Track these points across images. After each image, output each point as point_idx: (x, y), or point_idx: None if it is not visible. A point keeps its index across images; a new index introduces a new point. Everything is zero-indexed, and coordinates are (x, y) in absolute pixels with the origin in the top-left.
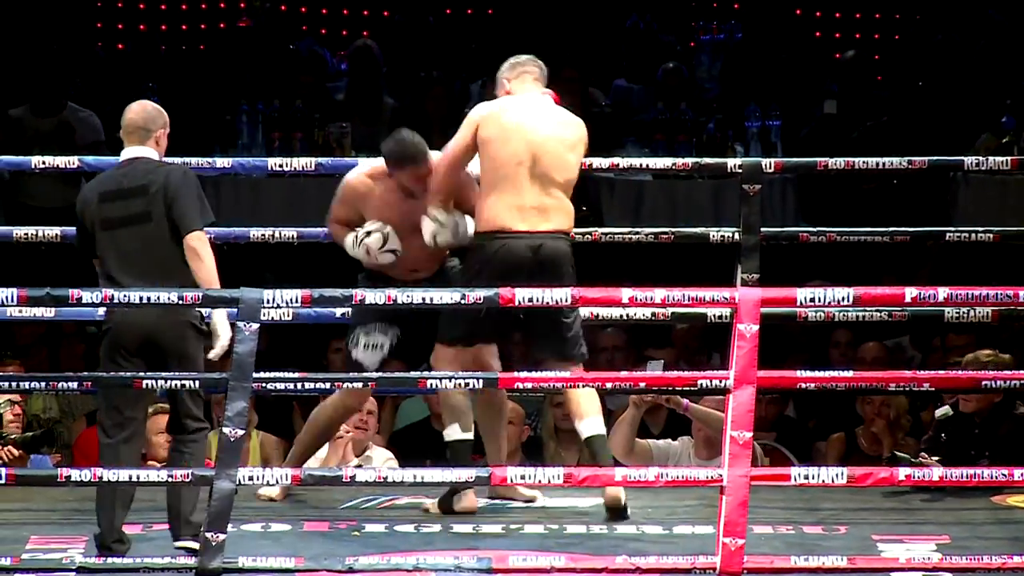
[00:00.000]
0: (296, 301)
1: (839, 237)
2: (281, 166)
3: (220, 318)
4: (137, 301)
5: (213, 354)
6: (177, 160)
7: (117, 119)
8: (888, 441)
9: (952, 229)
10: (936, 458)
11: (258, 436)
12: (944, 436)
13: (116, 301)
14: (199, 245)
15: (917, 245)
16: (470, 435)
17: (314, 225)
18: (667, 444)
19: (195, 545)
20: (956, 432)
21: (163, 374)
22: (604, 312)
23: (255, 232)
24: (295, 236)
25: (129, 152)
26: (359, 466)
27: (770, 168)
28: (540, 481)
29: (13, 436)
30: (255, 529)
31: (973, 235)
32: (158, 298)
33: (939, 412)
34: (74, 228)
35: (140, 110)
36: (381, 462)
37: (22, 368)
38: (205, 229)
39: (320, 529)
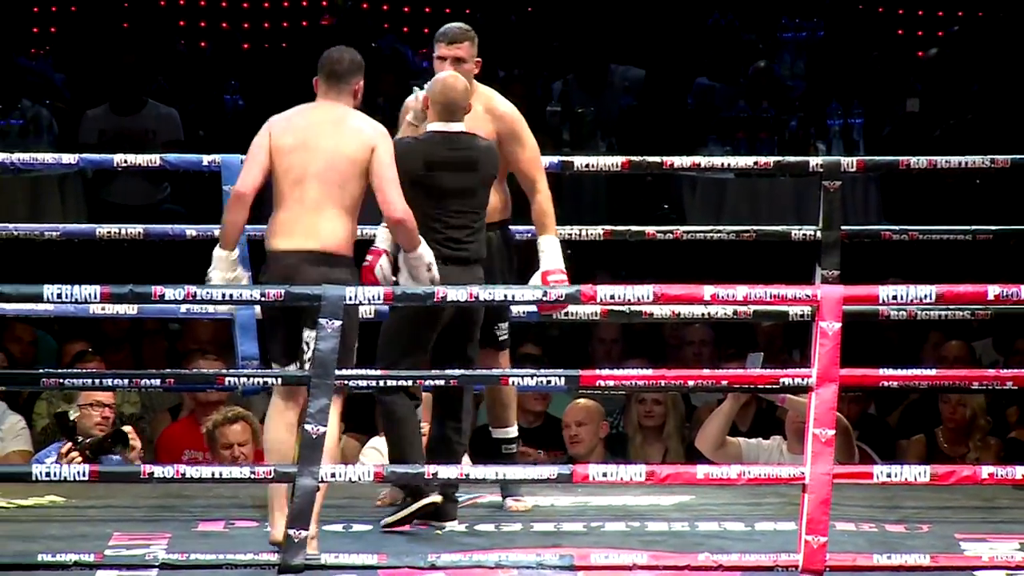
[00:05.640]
0: (378, 298)
1: (921, 235)
2: None
3: None
4: (220, 298)
5: None
6: None
7: (199, 117)
8: (968, 441)
9: None
10: None
11: None
12: None
13: (199, 297)
14: None
15: (1000, 244)
16: None
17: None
18: (757, 443)
19: None
20: None
21: (246, 371)
22: (686, 310)
23: None
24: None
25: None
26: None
27: (852, 167)
28: (622, 479)
29: (88, 440)
30: (336, 530)
31: None
32: (240, 295)
33: None
34: (156, 226)
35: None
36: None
37: (104, 365)
38: None
39: (402, 528)
